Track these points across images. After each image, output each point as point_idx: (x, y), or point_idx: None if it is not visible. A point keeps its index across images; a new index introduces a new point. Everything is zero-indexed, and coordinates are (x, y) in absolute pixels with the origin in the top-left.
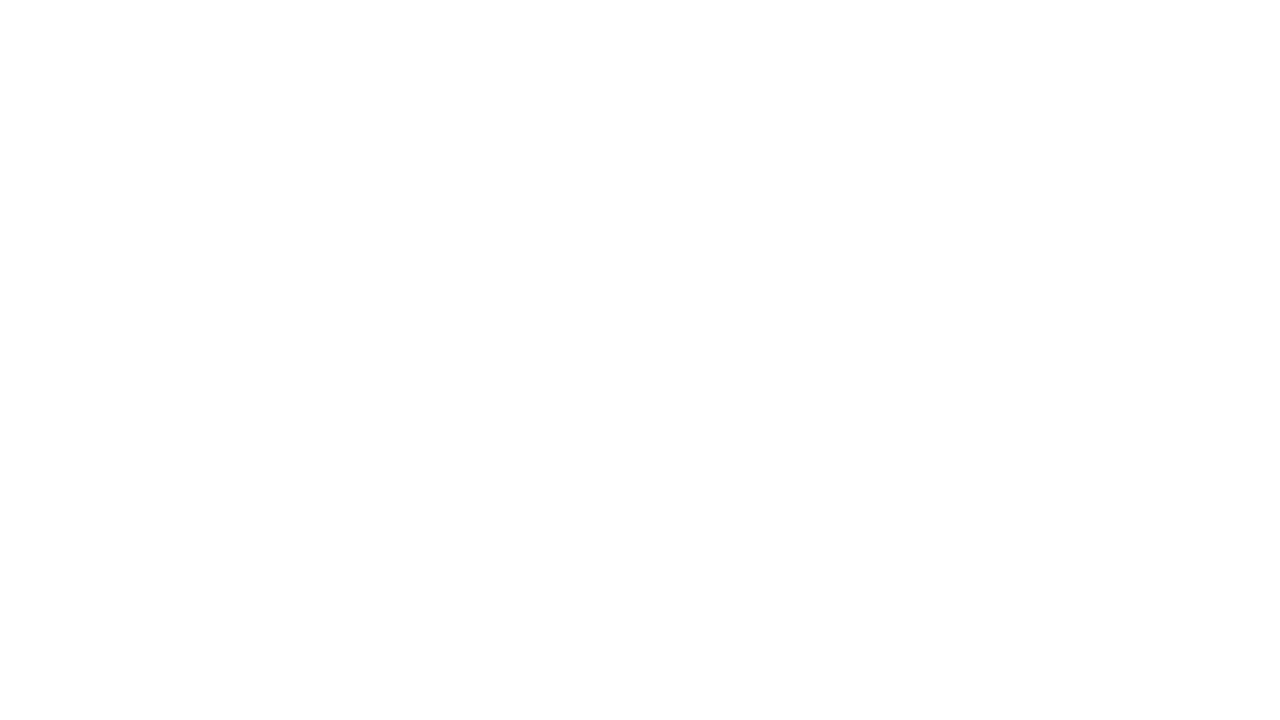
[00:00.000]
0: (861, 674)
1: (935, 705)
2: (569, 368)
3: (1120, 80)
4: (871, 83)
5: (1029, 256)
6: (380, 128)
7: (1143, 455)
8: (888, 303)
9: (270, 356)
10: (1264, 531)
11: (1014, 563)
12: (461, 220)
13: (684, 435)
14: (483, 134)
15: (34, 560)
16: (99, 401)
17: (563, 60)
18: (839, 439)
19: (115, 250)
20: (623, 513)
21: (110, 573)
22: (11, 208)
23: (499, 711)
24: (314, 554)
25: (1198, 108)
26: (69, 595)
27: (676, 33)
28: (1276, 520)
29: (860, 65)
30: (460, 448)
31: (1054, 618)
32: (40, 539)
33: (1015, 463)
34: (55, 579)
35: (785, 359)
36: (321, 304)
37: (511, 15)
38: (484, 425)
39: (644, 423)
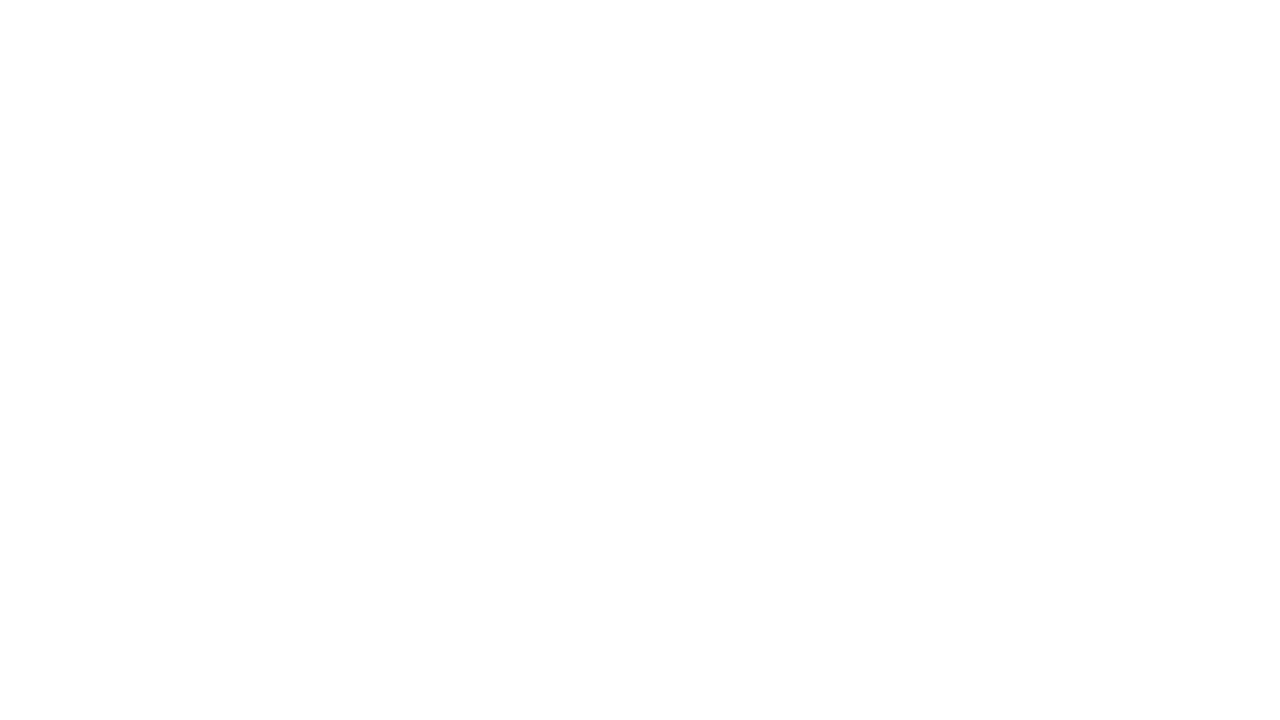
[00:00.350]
0: (859, 673)
1: (934, 705)
2: (568, 367)
3: (1120, 80)
4: (871, 83)
5: (1029, 256)
6: (380, 128)
7: (1142, 455)
8: (888, 302)
9: (270, 356)
10: (1264, 531)
11: (1013, 562)
12: (461, 220)
13: (682, 435)
14: (483, 134)
15: (34, 560)
16: (99, 401)
17: (563, 60)
18: (838, 438)
19: (115, 250)
20: (622, 512)
21: (110, 573)
22: (11, 208)
23: (499, 712)
24: (314, 554)
25: (1198, 108)
26: (68, 595)
27: (676, 33)
28: (1276, 520)
29: (860, 65)
30: (460, 447)
31: (1052, 617)
32: (40, 539)
33: (1015, 462)
34: (55, 579)
35: (785, 359)
36: (321, 303)
37: (511, 15)
38: (483, 424)
39: (643, 422)
